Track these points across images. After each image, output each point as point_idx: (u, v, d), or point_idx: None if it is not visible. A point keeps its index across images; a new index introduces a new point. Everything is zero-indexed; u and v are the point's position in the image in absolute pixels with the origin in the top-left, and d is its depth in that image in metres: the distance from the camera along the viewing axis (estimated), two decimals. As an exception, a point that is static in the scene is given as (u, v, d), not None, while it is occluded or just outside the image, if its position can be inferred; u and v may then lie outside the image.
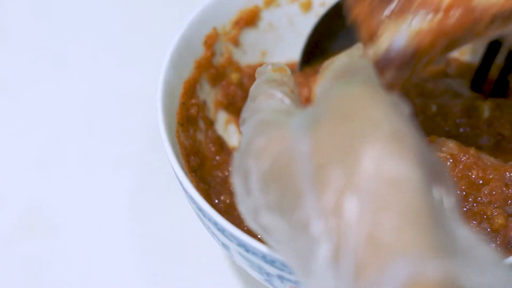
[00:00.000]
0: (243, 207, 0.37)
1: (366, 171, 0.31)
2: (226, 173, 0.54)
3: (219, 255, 0.57)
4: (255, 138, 0.36)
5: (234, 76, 0.57)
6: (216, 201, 0.51)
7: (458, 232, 0.31)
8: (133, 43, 0.72)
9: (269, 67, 0.43)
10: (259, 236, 0.48)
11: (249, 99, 0.41)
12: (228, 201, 0.51)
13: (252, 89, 0.41)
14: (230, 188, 0.52)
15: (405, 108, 0.34)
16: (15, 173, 0.63)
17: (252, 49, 0.59)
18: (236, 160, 0.37)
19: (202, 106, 0.55)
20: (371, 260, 0.29)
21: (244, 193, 0.36)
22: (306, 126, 0.34)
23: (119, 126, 0.65)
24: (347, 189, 0.31)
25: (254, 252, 0.43)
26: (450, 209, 0.32)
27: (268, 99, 0.39)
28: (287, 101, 0.39)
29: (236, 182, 0.37)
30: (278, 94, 0.39)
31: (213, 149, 0.55)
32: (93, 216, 0.60)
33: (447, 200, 0.32)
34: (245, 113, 0.40)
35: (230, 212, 0.51)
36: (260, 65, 0.59)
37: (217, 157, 0.55)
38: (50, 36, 0.72)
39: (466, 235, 0.31)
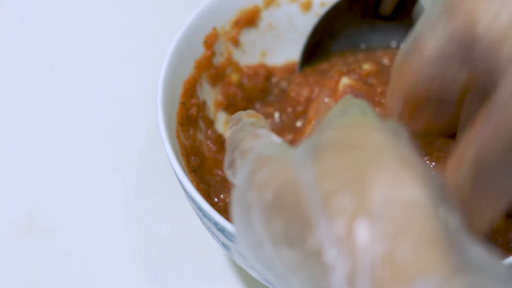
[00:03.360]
0: (244, 243, 0.37)
1: (377, 197, 0.31)
2: (227, 172, 0.54)
3: (219, 255, 0.57)
4: (255, 172, 0.36)
5: (234, 77, 0.57)
6: (216, 199, 0.51)
7: (469, 249, 0.31)
8: (133, 43, 0.72)
9: (243, 113, 0.43)
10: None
11: (231, 144, 0.41)
12: (227, 199, 0.51)
13: (234, 134, 0.41)
14: (230, 187, 0.52)
15: (404, 133, 0.35)
16: (15, 174, 0.63)
17: (252, 49, 0.59)
18: (236, 196, 0.37)
19: (202, 106, 0.55)
20: (391, 282, 0.29)
21: (245, 228, 0.36)
22: (308, 155, 0.34)
23: (119, 126, 0.65)
24: (360, 214, 0.31)
25: (254, 252, 0.43)
26: (457, 226, 0.32)
27: (257, 139, 0.39)
28: (275, 138, 0.39)
29: (236, 218, 0.37)
30: (265, 132, 0.40)
31: (214, 148, 0.55)
32: (93, 216, 0.60)
33: (453, 218, 0.32)
34: (231, 156, 0.40)
35: (230, 211, 0.51)
36: (260, 65, 0.59)
37: (218, 156, 0.54)
38: (50, 36, 0.72)
39: (477, 250, 0.31)
